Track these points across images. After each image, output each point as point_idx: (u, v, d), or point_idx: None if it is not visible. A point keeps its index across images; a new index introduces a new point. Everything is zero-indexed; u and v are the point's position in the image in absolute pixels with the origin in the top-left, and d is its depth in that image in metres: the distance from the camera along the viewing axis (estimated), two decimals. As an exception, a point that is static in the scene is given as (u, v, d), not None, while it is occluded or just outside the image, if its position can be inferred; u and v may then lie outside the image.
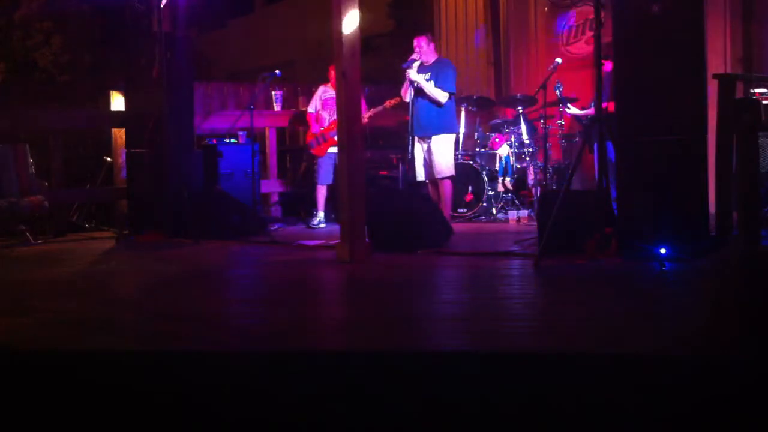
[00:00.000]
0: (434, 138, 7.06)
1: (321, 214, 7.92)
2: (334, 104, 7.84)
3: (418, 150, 7.19)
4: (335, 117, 7.77)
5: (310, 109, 8.22)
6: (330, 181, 7.93)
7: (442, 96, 6.98)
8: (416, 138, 7.13)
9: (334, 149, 7.83)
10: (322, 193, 7.97)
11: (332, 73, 7.82)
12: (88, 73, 12.46)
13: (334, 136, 7.81)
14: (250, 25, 18.45)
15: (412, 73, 6.95)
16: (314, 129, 8.10)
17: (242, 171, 8.04)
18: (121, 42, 8.24)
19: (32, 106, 9.43)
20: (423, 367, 2.80)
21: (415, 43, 7.13)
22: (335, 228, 6.04)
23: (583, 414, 2.60)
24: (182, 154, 7.30)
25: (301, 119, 8.85)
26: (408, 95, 7.04)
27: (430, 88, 6.97)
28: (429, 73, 7.07)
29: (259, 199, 8.26)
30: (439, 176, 7.06)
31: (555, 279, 4.62)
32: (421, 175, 7.22)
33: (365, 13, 5.72)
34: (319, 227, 7.80)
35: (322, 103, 8.12)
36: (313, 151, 8.09)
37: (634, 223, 4.93)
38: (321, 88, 8.20)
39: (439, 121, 7.08)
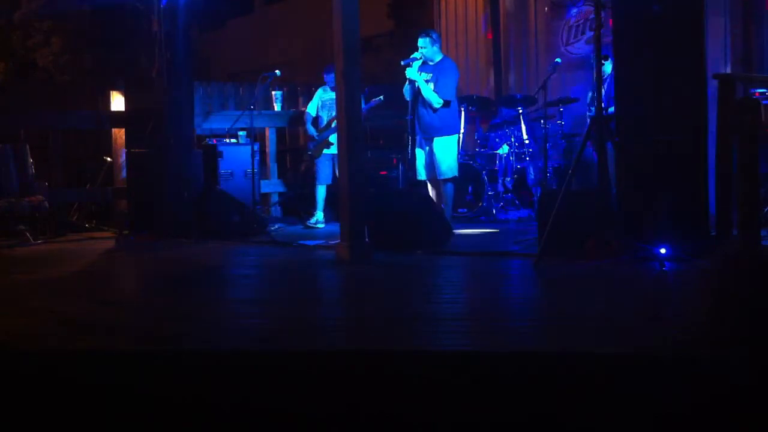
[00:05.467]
0: (437, 139, 7.03)
1: (320, 214, 7.91)
2: (333, 104, 7.88)
3: (421, 150, 7.18)
4: (333, 116, 7.82)
5: (309, 109, 8.25)
6: (329, 182, 7.94)
7: (436, 101, 6.90)
8: (418, 138, 7.12)
9: (330, 150, 7.85)
10: (321, 193, 7.97)
11: (325, 77, 7.95)
12: (88, 73, 12.46)
13: (329, 136, 7.82)
14: (250, 25, 18.47)
15: (411, 72, 6.90)
16: (310, 131, 8.14)
17: (242, 171, 8.04)
18: (121, 42, 8.24)
19: (32, 106, 9.41)
20: (423, 367, 2.80)
21: (420, 40, 7.00)
22: (335, 228, 6.04)
23: (584, 414, 2.59)
24: (182, 154, 7.30)
25: (299, 119, 8.86)
26: (409, 94, 6.99)
27: (427, 91, 6.92)
28: (431, 74, 7.02)
29: (259, 199, 8.26)
30: (441, 177, 7.04)
31: (555, 279, 4.63)
32: (422, 174, 7.21)
33: (365, 13, 5.72)
34: (317, 227, 7.79)
35: (321, 104, 8.16)
36: (311, 153, 8.11)
37: (634, 223, 4.93)
38: (321, 90, 8.25)
39: (442, 122, 7.04)
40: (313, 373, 2.80)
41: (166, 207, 7.14)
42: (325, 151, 7.93)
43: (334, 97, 7.82)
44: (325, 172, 7.97)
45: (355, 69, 5.35)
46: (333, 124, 7.80)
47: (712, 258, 4.71)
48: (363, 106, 7.08)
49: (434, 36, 7.14)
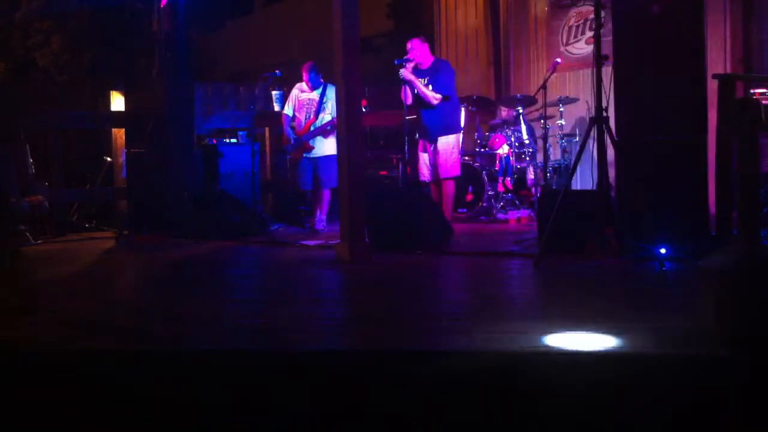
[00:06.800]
0: (440, 139, 7.06)
1: (318, 215, 7.84)
2: (310, 105, 7.79)
3: (425, 153, 7.20)
4: (311, 118, 7.75)
5: (286, 110, 7.90)
6: (310, 186, 7.71)
7: (434, 98, 6.95)
8: (421, 140, 7.15)
9: (310, 154, 7.67)
10: (311, 196, 7.87)
11: (305, 75, 7.73)
12: (88, 73, 12.46)
13: (308, 140, 7.72)
14: (250, 25, 18.45)
15: (405, 72, 6.92)
16: (288, 133, 7.84)
17: (242, 171, 8.02)
18: (121, 42, 8.24)
19: (32, 106, 9.43)
20: (423, 367, 2.80)
21: (408, 45, 7.08)
22: (335, 228, 6.04)
23: (583, 414, 2.60)
24: (182, 154, 7.31)
25: (276, 120, 8.58)
26: (408, 98, 7.00)
27: (424, 89, 6.94)
28: (426, 78, 7.04)
29: (259, 199, 8.25)
30: (444, 176, 7.06)
31: (555, 279, 4.62)
32: (425, 175, 7.22)
33: (365, 13, 5.71)
34: (317, 228, 7.75)
35: (298, 104, 7.84)
36: (290, 157, 7.94)
37: (634, 223, 4.92)
38: (295, 90, 7.90)
39: (444, 121, 7.07)
40: (313, 373, 2.80)
41: (166, 207, 7.15)
42: (305, 155, 7.71)
43: (312, 96, 7.78)
44: (305, 177, 7.73)
45: (355, 69, 5.35)
46: (312, 128, 7.71)
47: (712, 258, 4.71)
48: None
49: (421, 39, 7.18)
